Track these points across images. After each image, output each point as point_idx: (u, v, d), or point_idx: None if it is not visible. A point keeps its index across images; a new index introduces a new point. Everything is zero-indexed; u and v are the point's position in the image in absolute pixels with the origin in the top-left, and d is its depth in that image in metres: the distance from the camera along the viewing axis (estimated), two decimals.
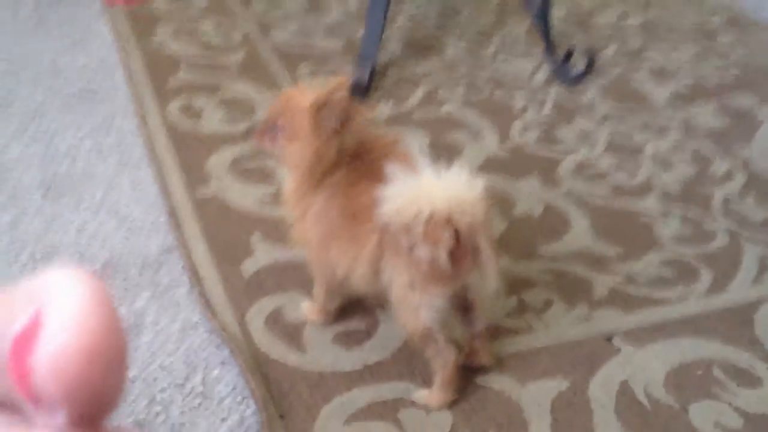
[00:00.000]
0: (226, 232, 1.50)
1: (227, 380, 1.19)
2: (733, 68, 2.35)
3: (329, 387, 1.19)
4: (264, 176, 1.66)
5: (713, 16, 2.75)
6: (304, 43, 2.30)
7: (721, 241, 1.59)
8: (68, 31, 2.27)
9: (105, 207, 1.55)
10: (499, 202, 1.63)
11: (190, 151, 1.73)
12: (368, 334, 1.30)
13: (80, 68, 2.06)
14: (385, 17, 2.07)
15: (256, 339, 1.26)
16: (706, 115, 2.06)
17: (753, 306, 1.43)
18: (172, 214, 1.53)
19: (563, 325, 1.35)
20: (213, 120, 1.86)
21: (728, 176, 1.81)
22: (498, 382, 1.22)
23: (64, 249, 1.43)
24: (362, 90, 2.00)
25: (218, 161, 1.70)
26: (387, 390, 1.19)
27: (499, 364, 1.25)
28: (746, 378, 1.27)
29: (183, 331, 1.28)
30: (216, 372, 1.21)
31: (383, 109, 1.97)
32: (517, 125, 1.96)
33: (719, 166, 1.84)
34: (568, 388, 1.22)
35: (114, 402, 0.22)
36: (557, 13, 2.61)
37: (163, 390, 1.17)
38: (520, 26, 2.52)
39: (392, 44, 2.34)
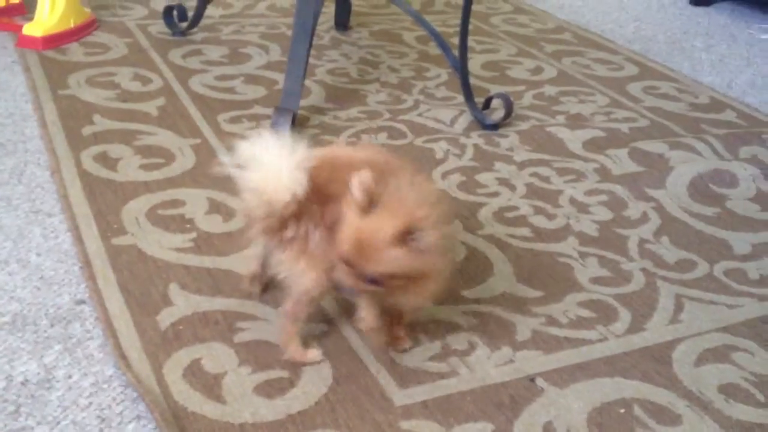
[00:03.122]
0: (143, 282, 1.45)
1: None
2: (644, 116, 2.43)
3: None
4: (182, 224, 1.63)
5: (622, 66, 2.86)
6: (225, 91, 2.29)
7: (638, 281, 1.63)
8: None
9: (14, 257, 1.49)
10: None
11: (106, 199, 1.69)
12: (291, 382, 1.26)
13: None
14: (305, 67, 2.08)
15: (173, 391, 1.22)
16: (620, 160, 2.12)
17: (670, 345, 1.45)
18: (86, 264, 1.48)
19: (487, 367, 1.35)
20: (130, 168, 1.82)
21: (643, 219, 1.86)
22: (423, 428, 1.20)
23: None
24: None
25: (135, 209, 1.66)
26: None
27: (424, 408, 1.24)
28: (666, 416, 1.28)
29: (96, 385, 1.22)
30: (131, 426, 1.15)
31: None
32: (438, 171, 1.98)
33: (634, 209, 1.90)
34: (493, 431, 1.21)
35: None
36: (474, 64, 2.67)
37: None
38: (440, 77, 2.57)
39: (313, 93, 2.35)
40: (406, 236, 1.03)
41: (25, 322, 1.34)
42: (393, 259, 1.03)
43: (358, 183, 1.06)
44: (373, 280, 1.05)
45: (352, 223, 1.07)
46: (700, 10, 3.70)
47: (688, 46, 3.20)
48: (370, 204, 1.07)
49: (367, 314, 1.23)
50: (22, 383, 1.21)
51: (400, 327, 1.33)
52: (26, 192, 1.71)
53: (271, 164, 1.12)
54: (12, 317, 1.34)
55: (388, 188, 1.09)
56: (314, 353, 1.31)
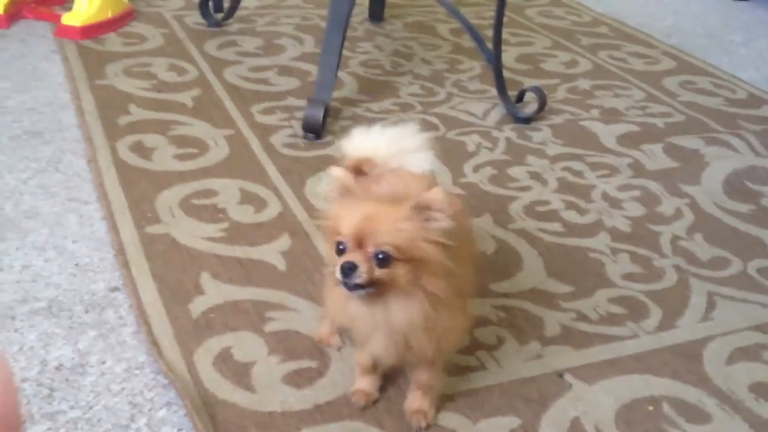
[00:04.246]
0: (175, 271, 1.47)
1: (173, 422, 1.16)
2: (680, 111, 2.41)
3: (279, 427, 1.16)
4: (214, 214, 1.65)
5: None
6: (259, 82, 2.31)
7: (670, 278, 1.61)
8: (18, 68, 2.25)
9: (51, 244, 1.52)
10: None
11: (141, 188, 1.71)
12: (319, 373, 1.28)
13: (28, 109, 2.03)
14: (339, 59, 2.09)
15: (204, 379, 1.24)
16: (654, 156, 2.10)
17: (701, 342, 1.44)
18: (120, 252, 1.50)
19: (515, 362, 1.34)
20: (164, 158, 1.84)
21: (677, 215, 1.84)
22: (449, 420, 1.21)
23: (9, 287, 1.40)
24: (316, 130, 2.00)
25: (169, 199, 1.68)
26: (338, 429, 1.17)
27: (451, 402, 1.24)
28: (695, 414, 1.27)
29: (128, 371, 1.25)
30: (162, 413, 1.17)
31: (338, 148, 1.97)
32: (470, 164, 1.97)
33: (668, 205, 1.88)
34: (520, 425, 1.21)
35: None
36: (508, 57, 2.66)
37: (106, 431, 1.13)
38: (473, 70, 2.56)
39: (346, 85, 2.36)
40: (419, 211, 1.03)
41: (60, 308, 1.36)
42: (404, 230, 1.02)
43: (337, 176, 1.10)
44: (382, 259, 1.02)
45: (364, 204, 1.06)
46: (740, 4, 3.64)
47: (726, 41, 3.15)
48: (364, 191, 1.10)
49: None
50: (57, 368, 1.24)
51: (424, 394, 1.20)
52: (63, 180, 1.74)
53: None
54: (48, 303, 1.37)
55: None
56: (336, 340, 1.33)
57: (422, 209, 1.03)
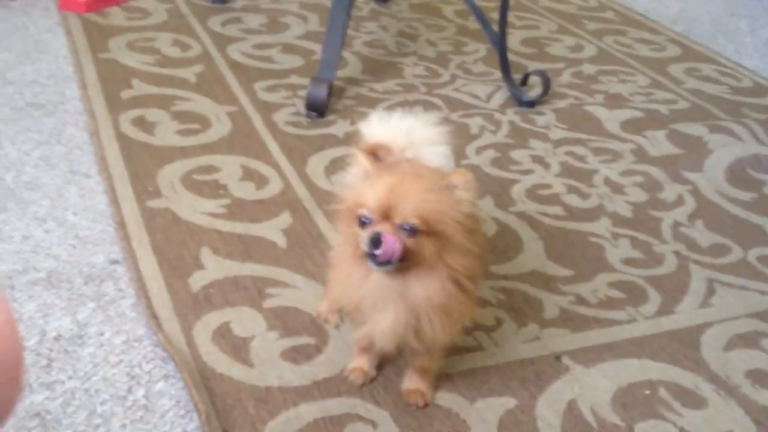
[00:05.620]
0: (176, 245, 1.47)
1: (171, 394, 1.16)
2: (684, 98, 2.40)
3: (276, 402, 1.17)
4: (216, 190, 1.65)
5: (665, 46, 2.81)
6: (262, 60, 2.30)
7: (670, 264, 1.61)
8: (21, 40, 2.24)
9: (51, 216, 1.52)
10: None
11: (142, 162, 1.71)
12: (318, 349, 1.28)
13: (31, 81, 2.03)
14: (343, 38, 2.08)
15: (202, 353, 1.24)
16: (658, 142, 2.10)
17: (700, 328, 1.44)
18: (121, 225, 1.50)
19: (513, 343, 1.35)
20: (167, 133, 1.84)
21: (679, 201, 1.84)
22: (446, 400, 1.21)
23: (8, 257, 1.40)
24: (320, 108, 1.99)
25: (170, 173, 1.68)
26: (335, 405, 1.18)
27: (448, 381, 1.24)
28: (692, 399, 1.28)
29: (127, 343, 1.25)
30: (160, 385, 1.18)
31: (340, 127, 1.97)
32: (473, 146, 1.97)
33: (670, 192, 1.88)
34: (516, 406, 1.22)
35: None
36: (513, 40, 2.65)
37: (104, 402, 1.14)
38: (478, 52, 2.55)
39: (350, 65, 2.35)
40: (445, 186, 1.04)
41: (60, 279, 1.36)
42: (432, 202, 1.02)
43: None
44: (409, 231, 1.01)
45: (390, 177, 1.06)
46: None
47: (732, 29, 3.13)
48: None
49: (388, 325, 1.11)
50: (55, 338, 1.24)
51: (421, 376, 1.21)
52: (65, 152, 1.73)
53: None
54: (47, 274, 1.37)
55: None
56: (335, 318, 1.33)
57: (449, 187, 1.03)
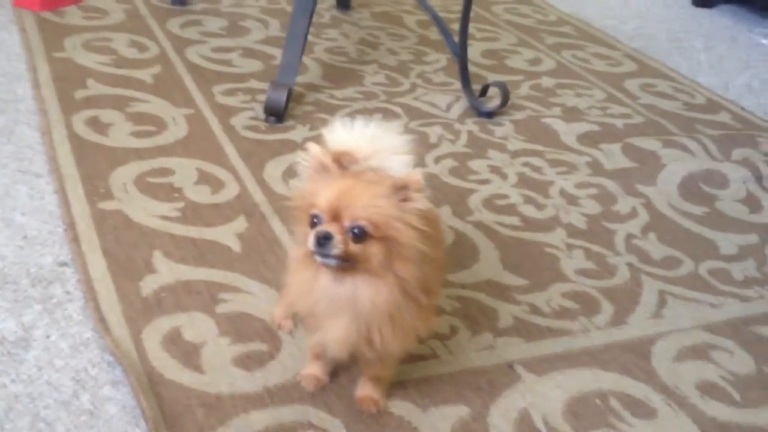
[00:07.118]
0: (127, 248, 1.44)
1: (117, 399, 1.14)
2: (639, 112, 2.43)
3: (226, 409, 1.15)
4: (170, 193, 1.62)
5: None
6: (221, 63, 2.28)
7: (622, 276, 1.63)
8: None
9: None
10: None
11: (95, 163, 1.68)
12: (270, 355, 1.26)
13: None
14: (304, 44, 2.07)
15: (151, 358, 1.22)
16: (613, 155, 2.12)
17: (651, 340, 1.46)
18: (71, 227, 1.47)
19: (467, 351, 1.35)
20: (121, 134, 1.81)
21: (632, 214, 1.86)
22: (399, 407, 1.20)
23: None
24: (278, 113, 1.98)
25: (123, 175, 1.65)
26: (286, 413, 1.16)
27: (402, 388, 1.24)
28: (642, 409, 1.29)
29: (74, 347, 1.22)
30: (106, 390, 1.15)
31: (299, 132, 1.96)
32: (431, 155, 1.97)
33: (624, 204, 1.90)
34: (469, 414, 1.21)
35: None
36: (474, 52, 2.66)
37: (48, 407, 1.10)
38: (438, 62, 2.56)
39: (311, 71, 2.34)
40: (397, 191, 1.03)
41: (5, 280, 1.33)
42: (382, 206, 1.01)
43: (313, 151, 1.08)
44: (357, 234, 1.01)
45: (342, 179, 1.05)
46: (703, 11, 3.69)
47: (688, 46, 3.19)
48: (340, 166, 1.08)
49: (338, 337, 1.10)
50: None
51: (374, 384, 1.20)
52: (15, 151, 1.69)
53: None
54: None
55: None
56: (289, 324, 1.32)
57: (400, 189, 1.02)
